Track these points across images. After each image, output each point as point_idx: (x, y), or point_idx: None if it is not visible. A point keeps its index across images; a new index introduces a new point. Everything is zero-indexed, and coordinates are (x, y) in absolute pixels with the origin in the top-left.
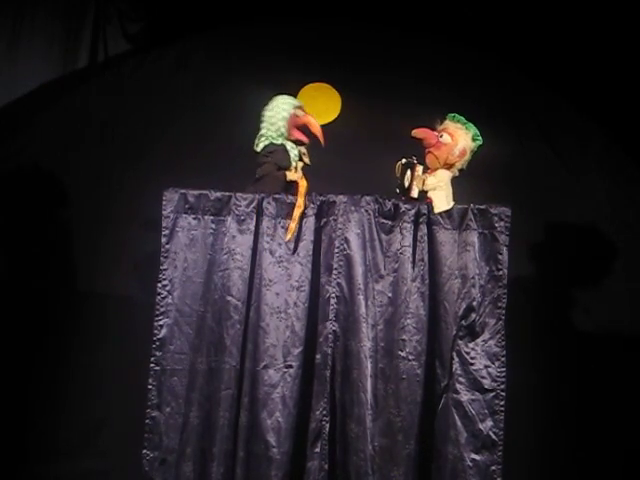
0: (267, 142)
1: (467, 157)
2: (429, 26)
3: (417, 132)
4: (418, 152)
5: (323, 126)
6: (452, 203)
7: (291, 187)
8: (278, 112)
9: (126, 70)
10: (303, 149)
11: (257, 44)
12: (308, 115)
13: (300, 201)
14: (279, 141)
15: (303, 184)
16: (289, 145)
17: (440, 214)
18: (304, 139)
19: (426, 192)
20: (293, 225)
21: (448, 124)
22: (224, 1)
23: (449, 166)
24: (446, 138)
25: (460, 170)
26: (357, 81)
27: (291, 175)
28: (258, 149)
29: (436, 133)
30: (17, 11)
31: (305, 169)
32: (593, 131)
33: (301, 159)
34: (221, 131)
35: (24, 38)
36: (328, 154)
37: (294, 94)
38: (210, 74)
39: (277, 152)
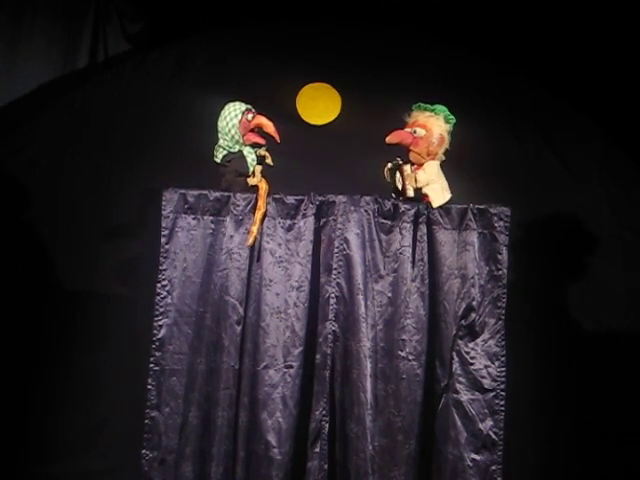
0: (225, 152)
1: (447, 140)
2: (428, 26)
3: (390, 138)
4: (404, 151)
5: (323, 126)
6: (449, 195)
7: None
8: (229, 120)
9: (126, 70)
10: (263, 151)
11: (257, 44)
12: (259, 116)
13: (260, 203)
14: (236, 148)
15: (263, 187)
16: (246, 150)
17: (440, 213)
18: (260, 141)
19: (421, 189)
20: (254, 229)
21: (417, 115)
22: (224, 2)
23: (433, 155)
24: (420, 132)
25: (445, 153)
26: (357, 81)
27: (251, 180)
28: (218, 160)
29: (409, 130)
30: (17, 11)
31: (305, 169)
32: (593, 131)
33: (261, 162)
34: None
35: (24, 38)
36: (328, 154)
37: (294, 94)
38: (210, 74)
39: (235, 160)
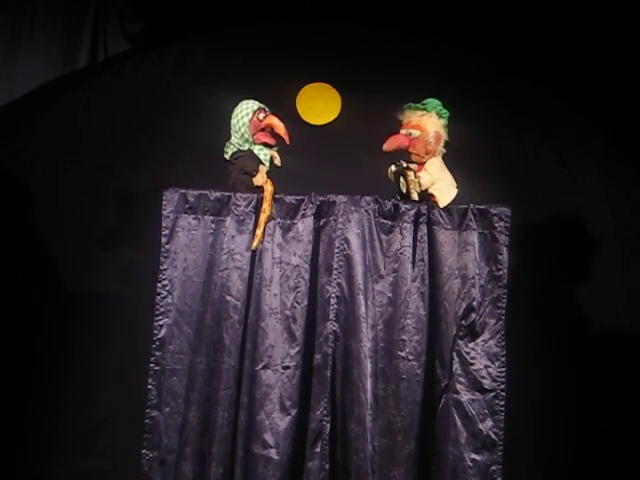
0: (234, 149)
1: (444, 135)
2: (429, 27)
3: (387, 146)
4: (405, 154)
5: (323, 126)
6: (455, 190)
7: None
8: (239, 118)
9: (126, 70)
10: (272, 151)
11: (257, 44)
12: (271, 116)
13: (265, 206)
14: (245, 147)
15: (268, 189)
16: (257, 149)
17: (440, 213)
18: (270, 141)
19: (427, 190)
20: (259, 232)
21: (409, 116)
22: (224, 1)
23: (433, 153)
24: (415, 132)
25: (445, 145)
26: (357, 81)
27: (256, 180)
28: (227, 157)
29: (404, 132)
30: (17, 11)
31: (305, 169)
32: (593, 131)
33: (271, 162)
34: (221, 131)
35: (24, 38)
36: (328, 154)
37: (294, 94)
38: (210, 74)
39: (243, 158)
